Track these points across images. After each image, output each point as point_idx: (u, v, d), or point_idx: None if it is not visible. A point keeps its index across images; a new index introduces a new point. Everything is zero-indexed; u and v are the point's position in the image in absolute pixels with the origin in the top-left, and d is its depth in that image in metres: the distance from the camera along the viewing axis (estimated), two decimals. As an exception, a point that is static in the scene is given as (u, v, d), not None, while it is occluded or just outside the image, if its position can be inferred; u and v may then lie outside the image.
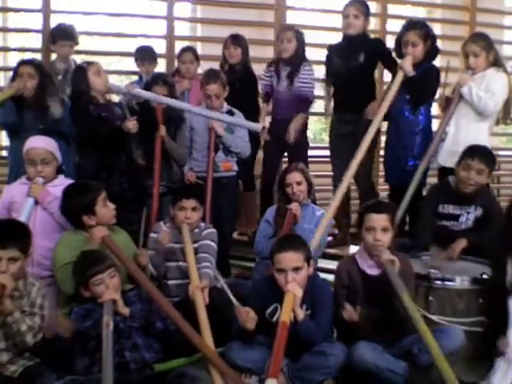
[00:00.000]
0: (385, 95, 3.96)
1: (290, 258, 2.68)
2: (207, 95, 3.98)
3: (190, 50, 4.72)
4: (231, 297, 2.72)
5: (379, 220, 2.85)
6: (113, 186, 3.64)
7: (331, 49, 4.49)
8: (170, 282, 3.27)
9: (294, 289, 2.61)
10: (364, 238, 2.88)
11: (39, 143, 3.25)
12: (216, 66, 4.64)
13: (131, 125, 3.69)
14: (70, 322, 2.61)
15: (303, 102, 4.53)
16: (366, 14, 4.30)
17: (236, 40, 4.57)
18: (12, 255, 2.52)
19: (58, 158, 3.31)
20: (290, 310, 2.55)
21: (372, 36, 4.50)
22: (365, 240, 2.88)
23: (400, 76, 3.85)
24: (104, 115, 3.80)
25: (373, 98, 4.41)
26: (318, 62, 4.80)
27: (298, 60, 4.47)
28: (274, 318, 2.71)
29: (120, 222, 3.32)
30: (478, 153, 3.48)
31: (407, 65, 3.85)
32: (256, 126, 3.96)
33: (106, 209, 3.02)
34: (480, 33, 4.10)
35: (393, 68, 4.28)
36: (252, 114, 4.39)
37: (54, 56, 5.04)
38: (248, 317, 2.64)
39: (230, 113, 4.09)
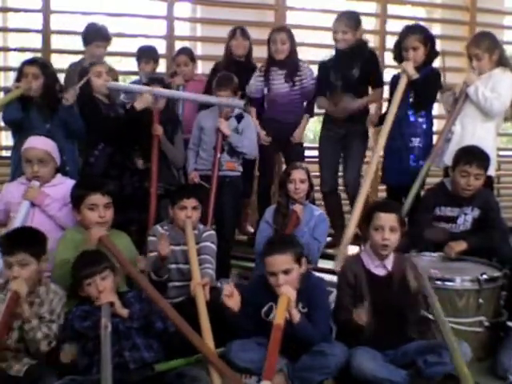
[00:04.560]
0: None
1: (278, 261, 2.68)
2: None
3: (184, 52, 4.66)
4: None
5: (388, 219, 2.83)
6: (125, 186, 3.72)
7: (325, 65, 4.39)
8: (170, 284, 3.25)
9: (288, 291, 2.60)
10: (371, 236, 2.86)
11: (37, 143, 3.25)
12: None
13: None
14: (72, 350, 2.59)
15: (310, 104, 4.51)
16: (356, 26, 4.21)
17: (245, 32, 4.55)
18: (20, 259, 2.57)
19: (57, 159, 3.31)
20: (284, 312, 2.55)
21: (368, 45, 4.41)
22: (372, 239, 2.86)
23: (404, 80, 3.84)
24: (113, 115, 3.90)
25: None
26: (318, 63, 4.77)
27: (293, 61, 4.45)
28: (270, 317, 2.72)
29: (131, 222, 3.35)
30: (474, 158, 3.44)
31: (410, 68, 3.83)
32: (238, 103, 3.97)
33: (90, 213, 2.99)
34: (482, 33, 4.06)
35: (375, 86, 4.33)
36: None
37: (53, 55, 5.06)
38: (233, 295, 2.67)
39: (240, 116, 4.10)
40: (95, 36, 4.45)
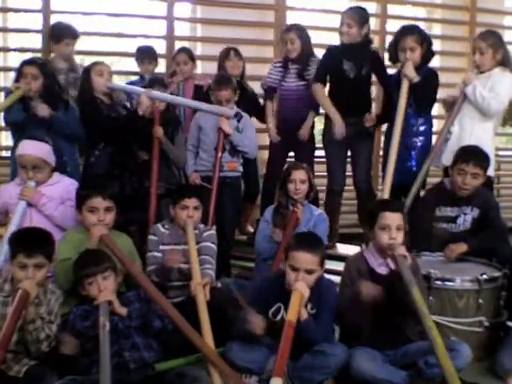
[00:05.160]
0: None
1: (306, 260, 2.67)
2: (218, 100, 3.98)
3: (183, 51, 4.69)
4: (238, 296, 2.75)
5: (394, 218, 2.82)
6: (125, 187, 3.73)
7: (335, 51, 4.35)
8: (171, 284, 3.25)
9: (303, 288, 2.60)
10: (377, 236, 2.85)
11: (30, 150, 3.21)
12: (216, 66, 4.64)
13: None
14: (73, 340, 2.59)
15: (315, 100, 4.47)
16: (361, 22, 4.19)
17: (238, 52, 4.54)
18: (37, 262, 2.57)
19: (51, 162, 3.29)
20: (297, 308, 2.54)
21: (372, 46, 4.43)
22: (378, 239, 2.84)
23: (406, 84, 3.85)
24: (113, 116, 3.93)
25: (371, 103, 4.43)
26: (326, 47, 4.74)
27: (306, 58, 4.46)
28: (278, 318, 2.72)
29: (132, 222, 3.36)
30: (472, 157, 3.44)
31: (410, 71, 3.84)
32: (228, 112, 3.93)
33: (90, 215, 2.99)
34: (491, 31, 4.08)
35: (384, 82, 4.37)
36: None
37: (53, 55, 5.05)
38: (258, 322, 2.66)
39: (239, 115, 4.10)
40: (64, 34, 4.47)
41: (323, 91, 4.35)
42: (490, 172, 3.76)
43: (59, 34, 4.50)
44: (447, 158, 3.81)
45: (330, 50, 4.40)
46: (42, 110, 3.62)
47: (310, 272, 2.67)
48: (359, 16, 4.22)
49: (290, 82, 4.49)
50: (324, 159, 4.61)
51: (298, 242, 2.76)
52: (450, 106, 3.98)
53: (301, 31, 4.46)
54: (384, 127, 4.52)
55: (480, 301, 3.03)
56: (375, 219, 2.86)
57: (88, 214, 3.01)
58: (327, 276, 3.12)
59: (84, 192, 3.06)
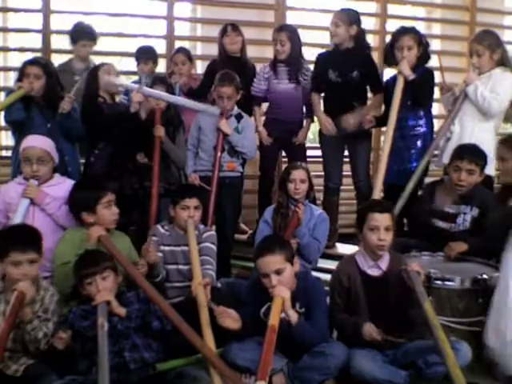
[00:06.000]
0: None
1: (269, 262, 2.69)
2: (219, 96, 3.98)
3: (181, 51, 4.70)
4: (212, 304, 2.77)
5: (383, 219, 2.83)
6: (124, 187, 3.75)
7: (323, 60, 4.38)
8: (170, 285, 3.27)
9: (281, 292, 2.61)
10: (366, 237, 2.86)
11: (36, 142, 3.26)
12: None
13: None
14: (67, 335, 2.58)
15: (311, 107, 4.50)
16: (349, 22, 4.18)
17: (236, 28, 4.51)
18: (31, 257, 2.58)
19: (55, 158, 3.32)
20: (279, 313, 2.55)
21: (366, 51, 4.39)
22: (367, 240, 2.85)
23: (401, 81, 3.86)
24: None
25: (366, 103, 4.42)
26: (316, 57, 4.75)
27: (296, 60, 4.44)
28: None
29: (131, 223, 3.42)
30: (467, 153, 3.45)
31: (406, 69, 3.85)
32: (214, 110, 3.92)
33: (107, 211, 3.05)
34: (487, 31, 4.07)
35: (377, 91, 4.33)
36: (247, 106, 4.38)
37: (53, 55, 5.05)
38: (226, 315, 2.66)
39: (239, 116, 4.10)
40: (81, 35, 4.52)
41: (318, 100, 4.44)
42: (491, 172, 3.76)
43: (76, 35, 4.54)
44: (448, 157, 3.81)
45: (318, 59, 4.44)
46: (65, 104, 3.68)
47: (278, 272, 2.67)
48: (347, 15, 4.22)
49: (282, 84, 4.46)
50: (320, 158, 4.62)
51: (257, 250, 2.79)
52: (452, 104, 3.96)
53: (292, 33, 4.41)
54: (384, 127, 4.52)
55: (480, 301, 3.03)
56: (364, 220, 2.86)
57: (105, 211, 3.04)
58: (327, 276, 3.13)
59: (97, 190, 3.07)
